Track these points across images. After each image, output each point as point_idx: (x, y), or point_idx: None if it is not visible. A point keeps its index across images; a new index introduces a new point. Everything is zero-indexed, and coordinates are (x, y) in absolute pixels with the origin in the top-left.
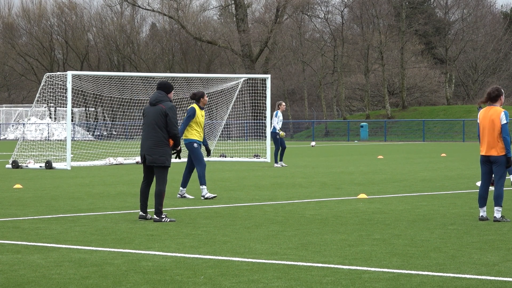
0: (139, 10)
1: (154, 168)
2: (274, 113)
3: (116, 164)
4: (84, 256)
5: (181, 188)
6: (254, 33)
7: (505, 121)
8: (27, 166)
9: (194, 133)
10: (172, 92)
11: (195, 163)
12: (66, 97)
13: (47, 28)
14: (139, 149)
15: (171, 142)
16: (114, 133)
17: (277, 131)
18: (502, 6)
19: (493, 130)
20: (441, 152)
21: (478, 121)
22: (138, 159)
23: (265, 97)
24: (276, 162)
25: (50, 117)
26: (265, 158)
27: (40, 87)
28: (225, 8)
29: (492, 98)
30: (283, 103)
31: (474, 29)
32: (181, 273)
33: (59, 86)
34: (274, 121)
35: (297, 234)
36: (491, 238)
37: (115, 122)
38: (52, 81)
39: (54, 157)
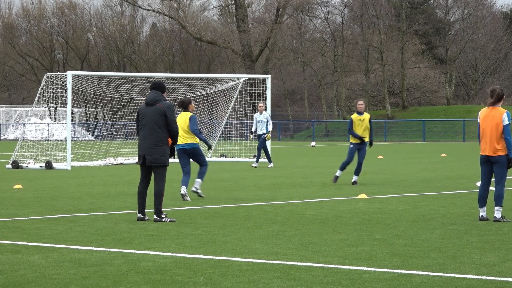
0: (139, 10)
1: (153, 168)
2: None
3: (116, 164)
4: (84, 256)
5: (184, 187)
6: (254, 33)
7: (507, 122)
8: (27, 166)
9: (195, 138)
10: (166, 92)
11: (204, 163)
12: (66, 97)
13: (47, 28)
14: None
15: (170, 141)
16: (114, 133)
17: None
18: (502, 6)
19: (495, 131)
20: (441, 152)
21: (478, 120)
22: None
23: (265, 97)
24: (270, 162)
25: (50, 117)
26: (265, 158)
27: (40, 87)
28: (225, 8)
29: (498, 99)
30: (260, 104)
31: (474, 29)
32: (181, 273)
33: (59, 86)
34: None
35: (297, 234)
36: (491, 238)
37: (115, 122)
38: (52, 81)
39: (54, 157)
